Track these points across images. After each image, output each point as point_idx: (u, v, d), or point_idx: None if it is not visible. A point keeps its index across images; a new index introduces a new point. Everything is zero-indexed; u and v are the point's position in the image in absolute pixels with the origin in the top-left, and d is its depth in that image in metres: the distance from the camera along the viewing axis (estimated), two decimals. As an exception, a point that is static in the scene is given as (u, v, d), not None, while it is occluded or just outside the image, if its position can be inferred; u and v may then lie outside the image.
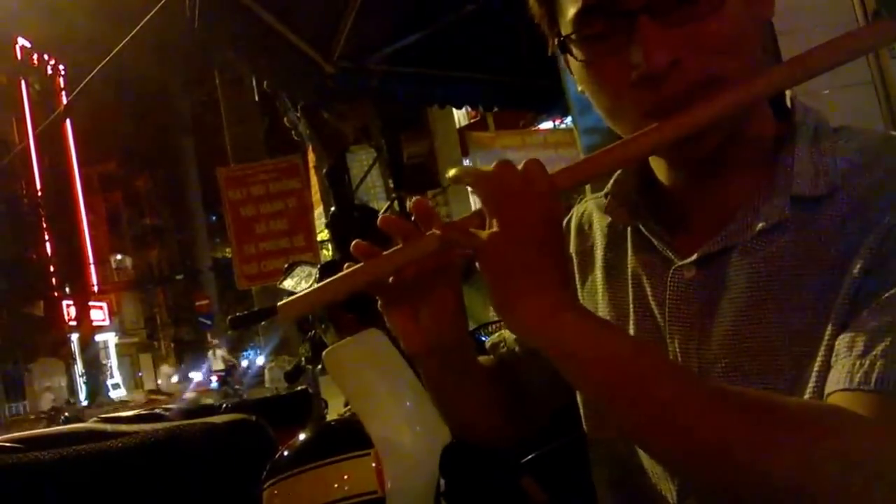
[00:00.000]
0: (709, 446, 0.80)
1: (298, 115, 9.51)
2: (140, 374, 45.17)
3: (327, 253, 9.96)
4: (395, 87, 5.36)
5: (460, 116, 11.71)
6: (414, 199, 1.03)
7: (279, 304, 1.03)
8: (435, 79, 5.44)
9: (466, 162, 9.47)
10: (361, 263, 1.01)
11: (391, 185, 6.73)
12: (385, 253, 1.00)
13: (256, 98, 11.94)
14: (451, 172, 0.97)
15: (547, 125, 9.90)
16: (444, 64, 5.29)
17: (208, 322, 38.13)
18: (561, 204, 0.94)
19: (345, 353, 1.10)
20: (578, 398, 1.19)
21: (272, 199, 9.14)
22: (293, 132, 10.36)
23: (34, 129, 38.25)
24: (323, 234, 10.33)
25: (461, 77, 5.51)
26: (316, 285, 1.04)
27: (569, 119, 7.61)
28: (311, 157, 11.85)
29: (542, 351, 0.89)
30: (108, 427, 2.25)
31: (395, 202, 4.82)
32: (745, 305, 0.97)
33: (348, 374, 1.13)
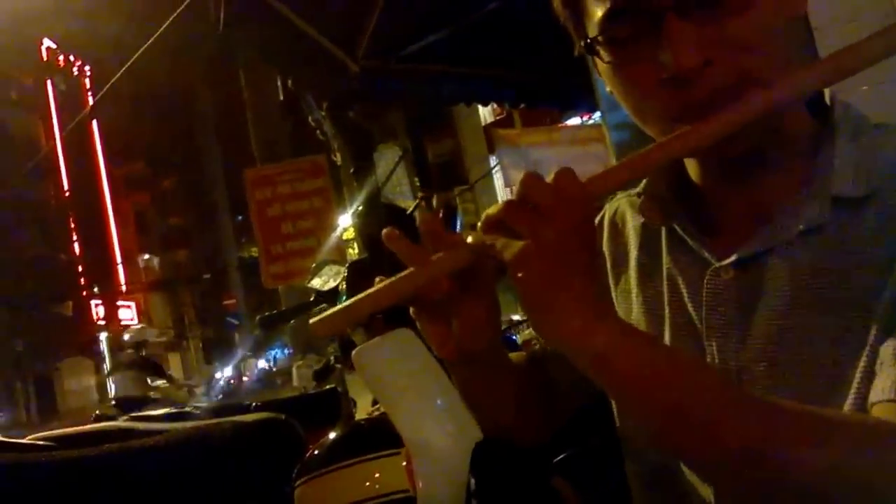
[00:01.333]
0: (750, 459, 0.79)
1: (323, 114, 9.54)
2: (169, 372, 45.48)
3: (353, 252, 9.98)
4: (421, 85, 5.35)
5: (486, 114, 11.70)
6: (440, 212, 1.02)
7: (311, 321, 1.03)
8: (461, 76, 5.43)
9: (493, 160, 9.45)
10: (392, 278, 1.01)
11: (417, 184, 6.73)
12: (416, 267, 0.99)
13: (281, 98, 11.98)
14: (487, 211, 0.96)
15: (574, 121, 9.82)
16: (469, 61, 5.27)
17: (235, 321, 38.36)
18: (593, 212, 0.92)
19: (374, 352, 1.10)
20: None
21: (298, 199, 9.18)
22: (318, 132, 10.39)
23: (61, 130, 38.61)
24: (349, 233, 10.35)
25: (487, 74, 5.49)
26: (346, 302, 1.04)
27: (597, 115, 7.55)
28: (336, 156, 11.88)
29: (577, 363, 0.88)
30: (139, 425, 2.27)
31: (422, 201, 4.81)
32: (785, 308, 0.95)
33: (378, 373, 1.13)
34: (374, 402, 2.26)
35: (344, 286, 2.45)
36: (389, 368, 1.12)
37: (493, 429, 1.17)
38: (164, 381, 8.61)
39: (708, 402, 0.82)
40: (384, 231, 1.01)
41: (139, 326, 8.28)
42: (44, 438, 2.18)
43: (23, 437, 2.26)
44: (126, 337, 8.00)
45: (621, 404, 0.95)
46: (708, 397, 0.82)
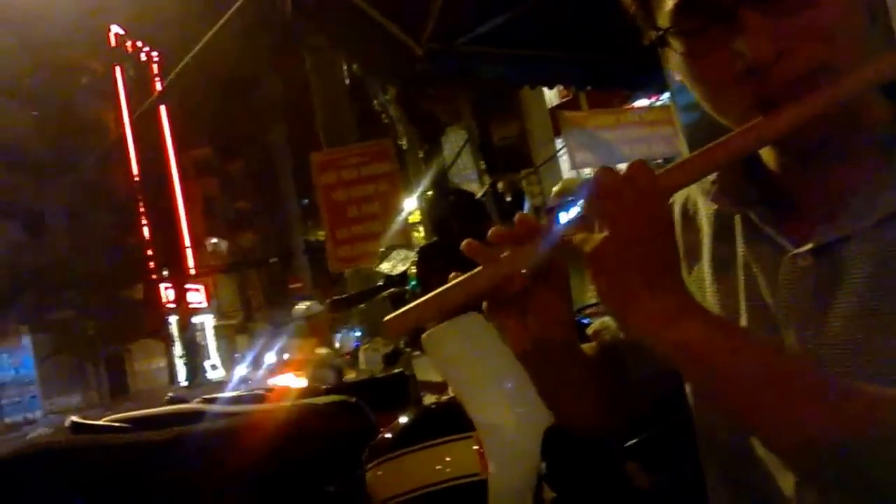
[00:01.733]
0: (831, 446, 0.80)
1: (388, 98, 9.57)
2: (237, 355, 46.15)
3: (418, 235, 10.01)
4: (486, 68, 5.33)
5: (551, 96, 11.61)
6: (518, 215, 1.03)
7: (385, 319, 1.04)
8: (526, 59, 5.40)
9: (559, 142, 9.38)
10: (466, 275, 1.01)
11: (483, 167, 6.73)
12: (491, 264, 0.99)
13: (347, 82, 12.05)
14: (556, 188, 0.97)
15: (643, 103, 9.69)
16: (535, 43, 5.24)
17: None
18: (668, 205, 0.93)
19: (444, 336, 1.11)
20: (686, 384, 1.17)
21: (364, 183, 9.23)
22: (383, 115, 10.42)
23: (130, 115, 39.29)
24: (415, 217, 10.38)
25: (553, 56, 5.45)
26: (420, 299, 1.05)
27: (665, 96, 7.44)
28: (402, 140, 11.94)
29: (660, 355, 0.88)
30: (212, 408, 2.32)
31: (491, 187, 4.80)
32: (864, 295, 0.94)
33: (448, 357, 1.14)
34: (427, 388, 2.27)
35: (413, 270, 2.46)
36: (459, 352, 1.13)
37: (566, 421, 1.18)
38: (328, 350, 9.03)
39: (791, 389, 0.82)
40: (463, 243, 1.02)
41: (309, 302, 8.68)
42: (119, 420, 2.24)
43: (99, 418, 2.33)
44: (301, 308, 8.48)
45: (703, 392, 0.95)
46: (791, 384, 0.82)
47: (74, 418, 2.19)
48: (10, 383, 30.81)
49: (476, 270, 1.01)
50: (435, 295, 1.02)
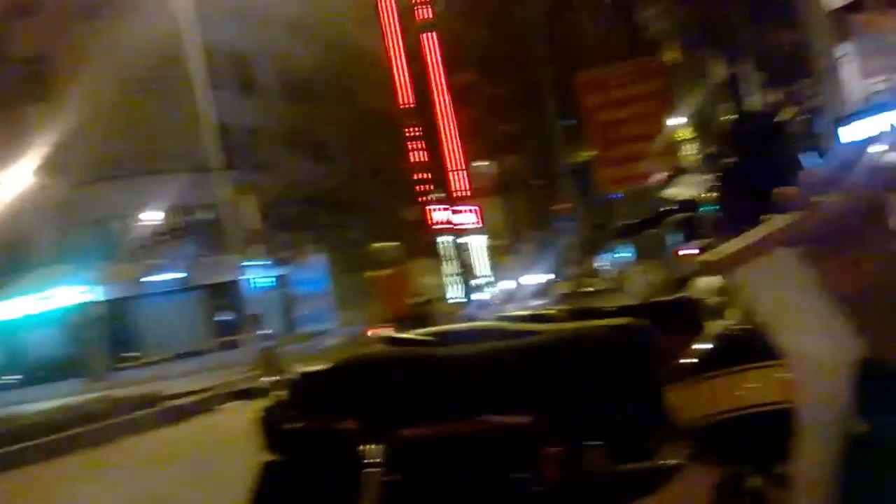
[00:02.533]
0: None
1: (657, 12, 9.32)
2: (506, 274, 47.25)
3: (688, 154, 9.78)
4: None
5: (831, -1, 10.84)
6: (835, 151, 1.00)
7: (700, 259, 1.06)
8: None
9: (840, 49, 8.76)
10: (789, 218, 1.00)
11: (760, 80, 6.45)
12: (812, 207, 0.98)
13: (613, -1, 11.84)
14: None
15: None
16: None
17: (569, 225, 39.12)
18: None
19: (754, 266, 1.12)
20: None
21: (630, 103, 9.12)
22: (650, 31, 10.16)
23: (403, 41, 40.71)
24: (681, 134, 10.13)
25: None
26: (738, 244, 1.05)
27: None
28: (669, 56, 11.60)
29: None
30: (511, 325, 2.45)
31: (796, 116, 4.59)
32: None
33: (758, 286, 1.14)
34: (712, 313, 2.24)
35: (704, 195, 2.43)
36: (769, 281, 1.13)
37: (883, 356, 1.15)
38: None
39: None
40: (776, 192, 1.02)
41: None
42: (428, 334, 2.44)
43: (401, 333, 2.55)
44: None
45: None
46: None
47: (389, 333, 2.41)
48: (306, 297, 34.21)
49: (799, 216, 1.00)
50: (757, 241, 1.02)
